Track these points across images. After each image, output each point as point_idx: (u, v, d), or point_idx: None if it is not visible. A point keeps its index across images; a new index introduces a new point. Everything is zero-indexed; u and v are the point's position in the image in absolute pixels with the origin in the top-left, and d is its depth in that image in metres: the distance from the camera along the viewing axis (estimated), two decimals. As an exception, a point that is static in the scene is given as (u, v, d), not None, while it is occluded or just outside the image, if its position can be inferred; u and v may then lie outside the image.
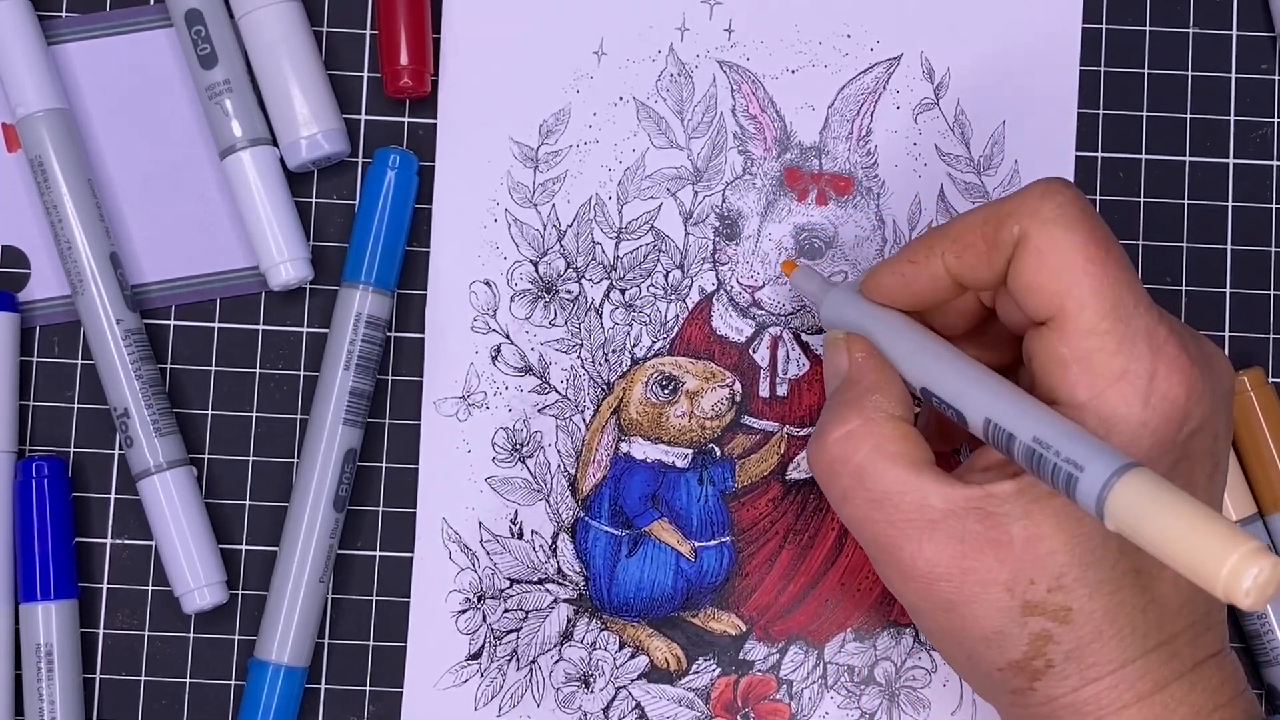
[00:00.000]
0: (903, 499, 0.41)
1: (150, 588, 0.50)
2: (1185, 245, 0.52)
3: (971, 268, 0.42)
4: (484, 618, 0.50)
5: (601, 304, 0.51)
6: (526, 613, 0.51)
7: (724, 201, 0.52)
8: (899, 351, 0.43)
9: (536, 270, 0.51)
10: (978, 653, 0.41)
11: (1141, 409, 0.39)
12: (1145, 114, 0.52)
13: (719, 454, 0.51)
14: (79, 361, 0.51)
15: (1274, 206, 0.53)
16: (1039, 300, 0.40)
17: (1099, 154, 0.52)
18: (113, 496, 0.51)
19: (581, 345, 0.51)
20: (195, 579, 0.49)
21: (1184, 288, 0.52)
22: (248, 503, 0.51)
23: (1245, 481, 0.51)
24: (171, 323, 0.51)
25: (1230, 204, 0.52)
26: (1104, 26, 0.53)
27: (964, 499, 0.40)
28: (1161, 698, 0.40)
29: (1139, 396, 0.40)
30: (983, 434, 0.40)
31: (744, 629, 0.51)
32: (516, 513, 0.51)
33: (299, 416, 0.51)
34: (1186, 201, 0.52)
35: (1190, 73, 0.53)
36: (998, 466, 0.41)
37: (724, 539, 0.51)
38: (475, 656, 0.50)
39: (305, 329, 0.51)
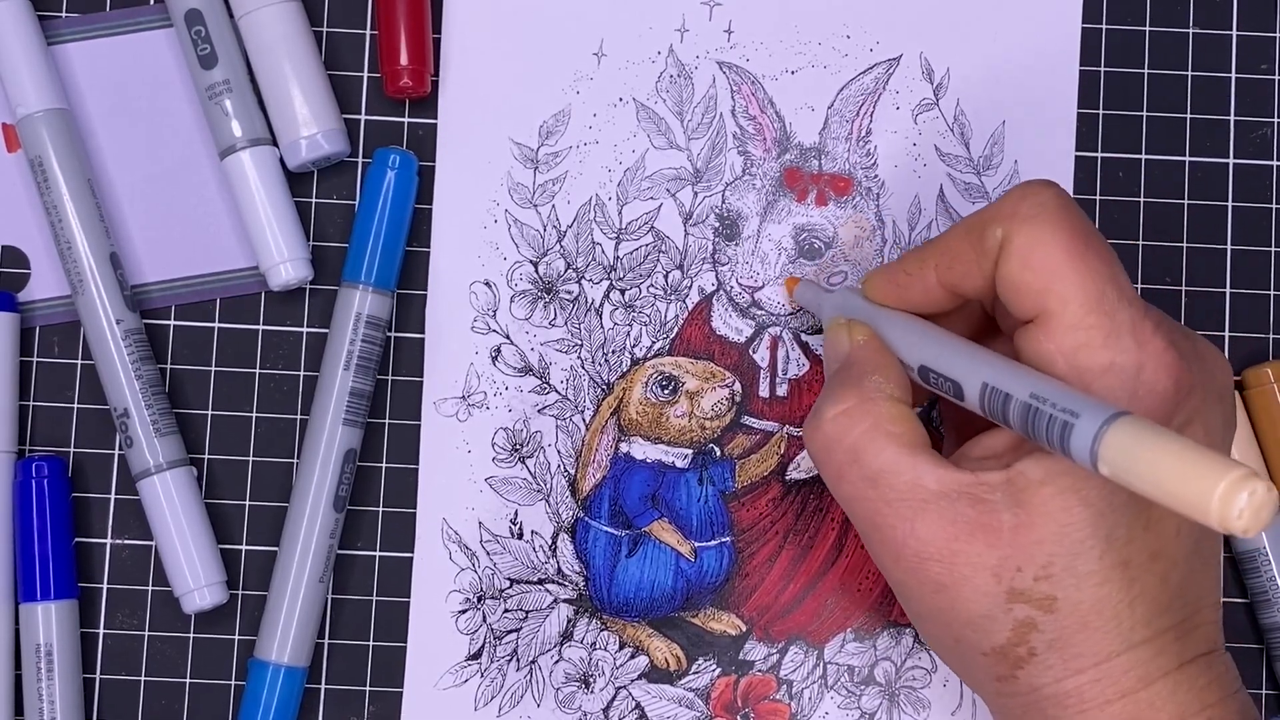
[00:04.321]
0: (897, 478, 0.41)
1: (150, 588, 0.50)
2: (1185, 245, 0.52)
3: (963, 276, 0.42)
4: (484, 618, 0.50)
5: (601, 304, 0.51)
6: (526, 613, 0.50)
7: (724, 202, 0.52)
8: (897, 334, 0.43)
9: (536, 270, 0.51)
10: (964, 637, 0.42)
11: (1128, 402, 0.39)
12: (1145, 114, 0.52)
13: (719, 454, 0.51)
14: (79, 361, 0.51)
15: (1274, 206, 0.52)
16: (1024, 299, 0.41)
17: (1099, 154, 0.52)
18: (113, 496, 0.51)
19: (581, 345, 0.51)
20: (195, 579, 0.49)
21: (1184, 288, 0.52)
22: (248, 503, 0.51)
23: (1268, 473, 0.51)
24: (171, 323, 0.51)
25: (1230, 204, 0.52)
26: (1104, 26, 0.53)
27: (956, 482, 0.40)
28: (1147, 694, 0.40)
29: (1126, 390, 0.40)
30: (979, 402, 0.40)
31: (744, 629, 0.51)
32: (516, 513, 0.51)
33: (299, 416, 0.51)
34: (1186, 201, 0.52)
35: (1190, 73, 0.53)
36: (990, 457, 0.41)
37: (724, 539, 0.51)
38: (475, 656, 0.50)
39: (305, 329, 0.51)
